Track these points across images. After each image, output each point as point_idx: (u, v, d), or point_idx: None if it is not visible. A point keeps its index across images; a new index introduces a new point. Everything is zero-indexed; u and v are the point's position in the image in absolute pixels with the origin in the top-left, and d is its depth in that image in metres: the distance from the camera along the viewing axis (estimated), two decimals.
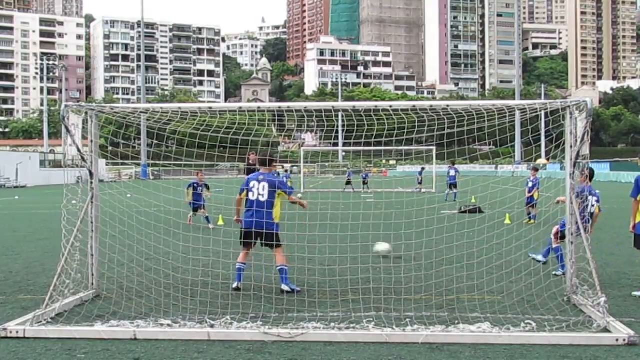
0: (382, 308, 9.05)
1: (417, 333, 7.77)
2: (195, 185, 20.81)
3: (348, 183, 48.94)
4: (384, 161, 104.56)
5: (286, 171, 47.56)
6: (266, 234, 10.22)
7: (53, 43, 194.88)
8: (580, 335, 7.70)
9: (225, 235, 11.97)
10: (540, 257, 12.22)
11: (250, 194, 10.51)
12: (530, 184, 22.12)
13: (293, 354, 7.25)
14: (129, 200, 14.09)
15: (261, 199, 10.40)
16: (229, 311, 8.87)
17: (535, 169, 23.00)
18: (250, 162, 22.96)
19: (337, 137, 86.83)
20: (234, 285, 10.55)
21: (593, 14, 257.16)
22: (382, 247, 13.14)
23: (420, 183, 45.87)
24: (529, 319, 8.33)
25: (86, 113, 9.86)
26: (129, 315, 8.70)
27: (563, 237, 10.69)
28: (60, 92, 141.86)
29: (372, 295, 9.63)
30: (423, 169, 48.43)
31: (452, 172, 35.06)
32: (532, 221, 20.69)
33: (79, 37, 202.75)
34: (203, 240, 11.59)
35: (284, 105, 10.03)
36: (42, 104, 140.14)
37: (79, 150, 9.70)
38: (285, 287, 10.33)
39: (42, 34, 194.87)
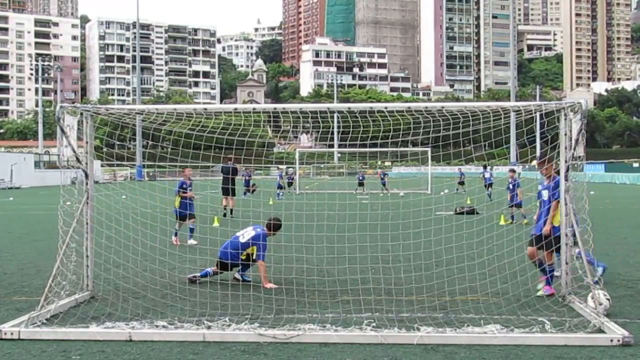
0: (378, 309, 9.07)
1: (412, 334, 7.78)
2: (184, 186, 16.77)
3: (290, 184, 48.74)
4: (379, 162, 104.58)
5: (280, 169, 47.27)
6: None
7: (48, 44, 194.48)
8: (575, 335, 7.72)
9: (222, 236, 11.98)
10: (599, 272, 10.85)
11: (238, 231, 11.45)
12: (510, 186, 22.13)
13: (288, 355, 7.25)
14: (125, 200, 14.08)
15: (242, 240, 11.13)
16: (226, 311, 8.87)
17: (513, 170, 23.00)
18: (223, 164, 23.25)
19: (332, 139, 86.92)
20: (190, 276, 11.24)
21: (588, 15, 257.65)
22: None
23: (461, 184, 45.23)
24: (523, 320, 8.35)
25: (81, 114, 9.85)
26: (124, 316, 8.69)
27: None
28: (55, 93, 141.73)
29: (367, 296, 9.65)
30: (459, 169, 47.54)
31: (487, 174, 35.86)
32: (512, 222, 20.93)
33: (74, 37, 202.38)
34: (199, 240, 11.58)
35: (280, 106, 10.04)
36: (36, 105, 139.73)
37: (74, 151, 9.68)
38: (237, 275, 11.32)
39: (37, 34, 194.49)
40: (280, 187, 42.43)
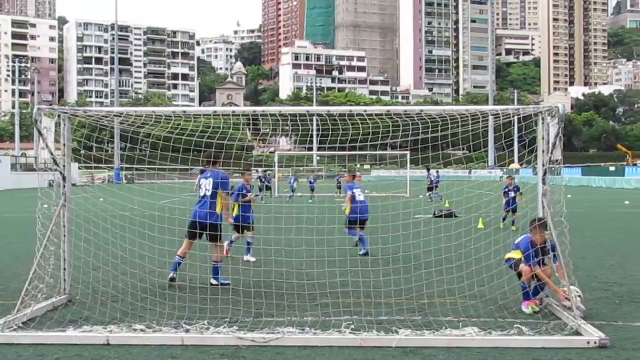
0: (357, 312, 9.08)
1: (391, 337, 7.80)
2: (245, 192, 14.53)
3: (268, 188, 46.78)
4: (358, 166, 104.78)
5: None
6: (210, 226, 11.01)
7: (25, 45, 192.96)
8: (553, 338, 7.78)
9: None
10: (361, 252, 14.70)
11: (200, 190, 11.31)
12: (512, 194, 21.83)
13: (267, 358, 7.24)
14: (104, 203, 13.99)
15: (207, 193, 11.13)
16: (205, 315, 8.83)
17: (512, 178, 23.03)
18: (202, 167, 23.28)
19: (311, 142, 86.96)
20: (170, 276, 11.18)
21: (565, 20, 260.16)
22: None
23: (436, 187, 45.85)
24: (502, 323, 8.40)
25: (59, 116, 9.78)
26: (102, 320, 8.64)
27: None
28: (33, 94, 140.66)
29: (347, 300, 9.66)
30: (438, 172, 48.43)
31: (433, 177, 40.34)
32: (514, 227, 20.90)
33: (52, 39, 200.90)
34: (179, 243, 11.53)
35: (259, 109, 10.04)
36: (13, 107, 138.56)
37: (51, 153, 9.62)
38: (213, 281, 11.23)
39: (14, 35, 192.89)
40: (293, 189, 42.77)
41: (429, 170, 42.10)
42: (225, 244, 13.71)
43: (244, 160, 11.33)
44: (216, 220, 11.13)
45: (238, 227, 13.96)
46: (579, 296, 8.87)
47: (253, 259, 14.04)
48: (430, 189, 39.78)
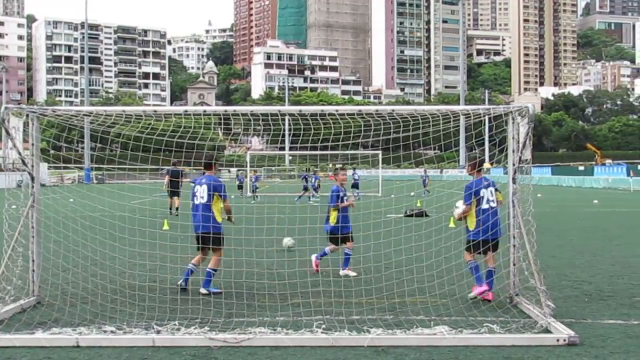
0: (328, 311, 9.09)
1: (362, 336, 7.82)
2: (342, 194, 12.58)
3: (240, 187, 46.81)
4: (330, 165, 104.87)
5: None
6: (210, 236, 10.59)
7: None
8: (523, 336, 7.85)
9: (172, 240, 11.87)
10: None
11: (195, 198, 10.79)
12: None
13: (239, 359, 7.22)
14: (73, 204, 13.85)
15: (202, 201, 10.68)
16: (175, 315, 8.77)
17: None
18: (172, 168, 23.46)
19: (283, 141, 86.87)
20: (179, 282, 10.76)
21: (535, 21, 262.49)
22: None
23: (424, 186, 46.39)
24: (472, 321, 8.46)
25: (27, 115, 9.66)
26: (71, 321, 8.55)
27: None
28: (0, 93, 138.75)
29: (318, 299, 9.67)
30: (425, 171, 49.36)
31: (356, 176, 43.89)
32: None
33: (20, 37, 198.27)
34: (149, 244, 11.45)
35: (230, 109, 9.99)
36: None
37: (19, 153, 9.50)
38: (203, 290, 10.58)
39: None
40: (305, 189, 42.43)
41: (354, 169, 44.94)
42: (314, 257, 12.79)
43: (215, 159, 11.24)
44: (215, 227, 10.67)
45: (336, 239, 12.46)
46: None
47: (353, 273, 12.23)
48: (354, 186, 42.25)
